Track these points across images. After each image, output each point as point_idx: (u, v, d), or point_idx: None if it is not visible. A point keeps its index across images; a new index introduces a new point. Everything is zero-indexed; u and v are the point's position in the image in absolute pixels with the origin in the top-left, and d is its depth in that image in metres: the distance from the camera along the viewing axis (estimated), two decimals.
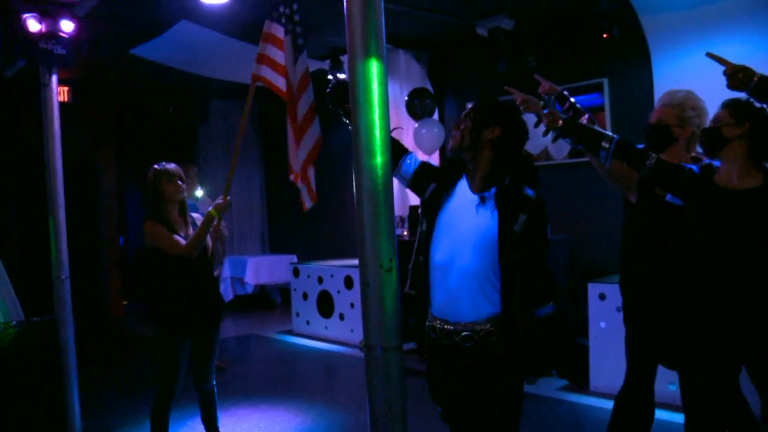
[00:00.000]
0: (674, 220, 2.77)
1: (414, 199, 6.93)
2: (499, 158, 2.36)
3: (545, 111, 2.71)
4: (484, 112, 2.38)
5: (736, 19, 4.77)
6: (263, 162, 10.46)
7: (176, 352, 3.33)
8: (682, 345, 2.74)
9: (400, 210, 7.05)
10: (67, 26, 3.83)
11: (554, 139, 2.78)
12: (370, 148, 1.60)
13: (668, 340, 2.84)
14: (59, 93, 4.07)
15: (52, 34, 3.77)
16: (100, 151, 9.15)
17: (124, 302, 9.46)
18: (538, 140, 4.23)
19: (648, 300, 2.89)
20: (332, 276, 7.08)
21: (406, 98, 7.06)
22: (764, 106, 2.55)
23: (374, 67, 1.59)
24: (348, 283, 6.86)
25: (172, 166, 3.42)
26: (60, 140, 3.96)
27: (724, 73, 2.57)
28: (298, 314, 7.59)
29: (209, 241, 3.49)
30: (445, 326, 2.34)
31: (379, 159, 1.60)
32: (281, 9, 3.43)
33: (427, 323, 2.42)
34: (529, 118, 2.59)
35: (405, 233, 6.83)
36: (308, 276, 7.40)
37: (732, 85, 2.57)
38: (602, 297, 4.69)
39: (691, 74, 4.09)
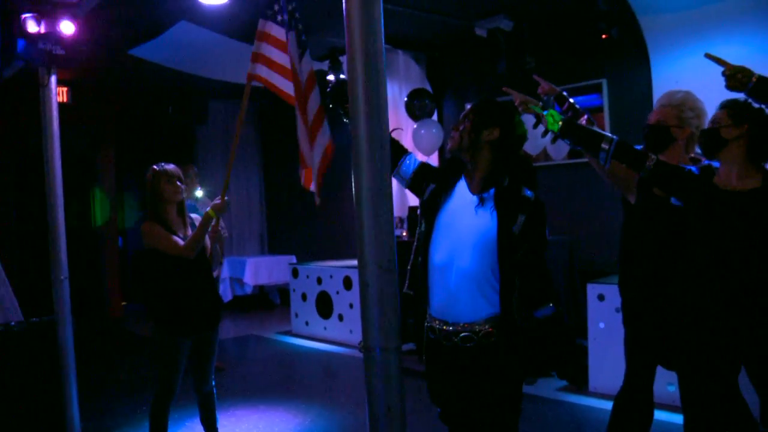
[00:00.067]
0: (673, 221, 2.77)
1: (413, 200, 6.93)
2: (498, 159, 2.37)
3: (545, 112, 2.71)
4: (483, 113, 2.38)
5: (734, 19, 4.78)
6: (262, 162, 10.44)
7: (175, 352, 3.32)
8: (681, 345, 2.74)
9: (399, 211, 7.05)
10: (66, 27, 3.82)
11: (553, 140, 2.78)
12: (370, 149, 1.60)
13: (667, 341, 2.84)
14: (58, 93, 4.06)
15: (52, 35, 3.77)
16: (100, 151, 9.14)
17: (123, 302, 9.46)
18: (537, 141, 4.22)
19: (647, 300, 2.89)
20: (331, 277, 7.07)
21: (405, 99, 7.06)
22: (763, 106, 2.55)
23: (373, 68, 1.59)
24: (347, 283, 6.85)
25: (171, 166, 3.42)
26: (59, 140, 3.95)
27: (723, 73, 2.58)
28: (297, 315, 7.59)
29: (208, 241, 3.49)
30: (444, 327, 2.34)
31: (378, 159, 1.60)
32: (276, 7, 3.43)
33: (426, 324, 2.42)
34: (528, 119, 2.60)
35: (404, 234, 6.83)
36: (307, 276, 7.39)
37: (731, 86, 2.57)
38: (601, 298, 4.69)
39: (689, 75, 4.09)
